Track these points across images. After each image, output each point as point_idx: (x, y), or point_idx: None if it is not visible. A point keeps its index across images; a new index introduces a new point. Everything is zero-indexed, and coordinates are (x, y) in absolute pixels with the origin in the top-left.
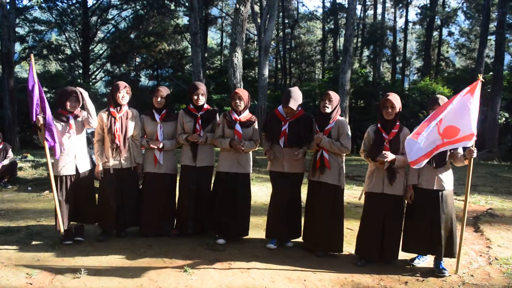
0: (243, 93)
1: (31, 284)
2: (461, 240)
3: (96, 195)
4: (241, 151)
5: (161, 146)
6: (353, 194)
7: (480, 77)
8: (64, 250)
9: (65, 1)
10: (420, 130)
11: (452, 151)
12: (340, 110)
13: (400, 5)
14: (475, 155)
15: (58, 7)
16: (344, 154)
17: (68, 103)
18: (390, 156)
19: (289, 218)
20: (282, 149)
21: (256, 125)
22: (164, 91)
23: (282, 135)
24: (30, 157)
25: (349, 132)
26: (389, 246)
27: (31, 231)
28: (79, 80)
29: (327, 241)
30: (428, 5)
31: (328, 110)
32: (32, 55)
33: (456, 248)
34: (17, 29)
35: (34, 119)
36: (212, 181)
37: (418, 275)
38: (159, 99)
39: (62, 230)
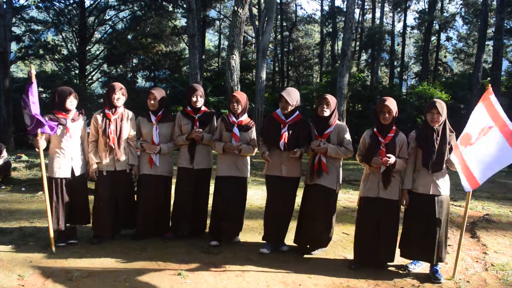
0: (241, 96)
1: (23, 286)
2: (459, 247)
3: (91, 197)
4: (238, 152)
5: (157, 151)
6: (349, 198)
7: (489, 86)
8: (57, 251)
9: (62, 1)
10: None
11: (449, 156)
12: (338, 114)
13: (399, 9)
14: None
15: (55, 7)
16: (342, 158)
17: (67, 101)
18: (392, 158)
19: (284, 222)
20: (282, 152)
21: (254, 130)
22: (157, 93)
23: (282, 138)
24: (24, 158)
25: (349, 136)
26: (384, 250)
27: (24, 232)
28: (75, 81)
29: (316, 241)
30: (427, 9)
31: (326, 114)
32: (32, 66)
33: (445, 252)
34: (13, 29)
35: (33, 131)
36: (210, 184)
37: (414, 280)
38: (152, 101)
39: (54, 231)
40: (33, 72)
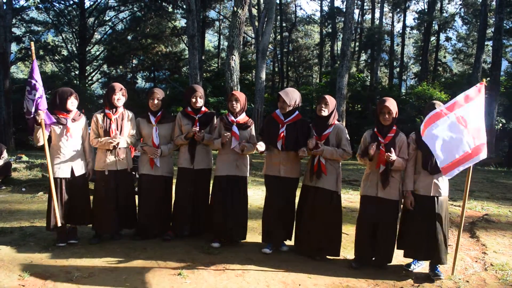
0: (240, 95)
1: (23, 286)
2: (457, 245)
3: (91, 197)
4: (241, 151)
5: (159, 154)
6: (349, 198)
7: (484, 81)
8: (57, 252)
9: (62, 2)
10: (431, 121)
11: None
12: (337, 115)
13: (398, 9)
14: None
15: (55, 8)
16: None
17: (68, 102)
18: (393, 155)
19: (284, 222)
20: (280, 153)
21: (253, 129)
22: (160, 93)
23: (280, 138)
24: (24, 158)
25: (348, 137)
26: (382, 250)
27: (25, 233)
28: (75, 82)
29: (325, 246)
30: (426, 10)
31: (324, 114)
32: (32, 43)
33: (446, 254)
34: (13, 30)
35: (34, 113)
36: (210, 184)
37: (413, 280)
38: (155, 101)
39: (59, 223)
40: (33, 49)
